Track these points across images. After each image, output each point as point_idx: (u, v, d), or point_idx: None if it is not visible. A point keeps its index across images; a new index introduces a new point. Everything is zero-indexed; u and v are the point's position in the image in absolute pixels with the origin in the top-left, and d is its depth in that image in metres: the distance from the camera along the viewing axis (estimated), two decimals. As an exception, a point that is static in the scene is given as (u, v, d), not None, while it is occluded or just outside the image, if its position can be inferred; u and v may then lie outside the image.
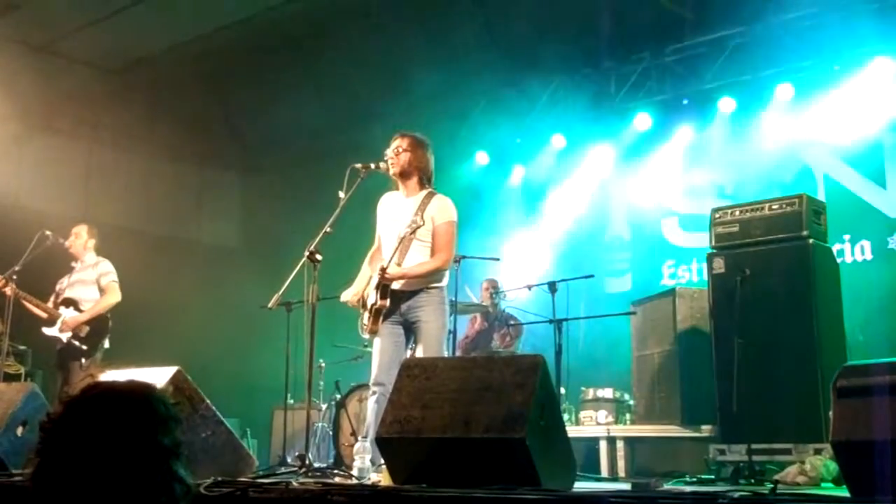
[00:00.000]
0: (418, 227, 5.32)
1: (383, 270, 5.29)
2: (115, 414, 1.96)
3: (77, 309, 7.68)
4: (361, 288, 5.55)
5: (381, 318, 5.32)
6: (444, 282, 5.50)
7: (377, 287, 5.31)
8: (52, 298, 7.78)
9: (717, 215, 6.30)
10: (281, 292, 5.51)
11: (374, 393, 5.28)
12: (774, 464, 5.58)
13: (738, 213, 6.22)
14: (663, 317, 7.16)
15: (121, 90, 10.92)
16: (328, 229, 5.39)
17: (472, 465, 3.58)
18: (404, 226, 5.36)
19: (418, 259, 5.39)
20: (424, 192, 5.51)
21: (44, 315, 7.67)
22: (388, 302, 5.29)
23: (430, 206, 5.44)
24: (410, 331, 5.41)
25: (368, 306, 5.36)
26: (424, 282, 5.38)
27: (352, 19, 9.89)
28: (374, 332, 5.34)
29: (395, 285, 5.34)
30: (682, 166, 9.94)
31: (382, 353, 5.33)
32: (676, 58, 9.68)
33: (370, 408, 5.31)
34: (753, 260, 5.94)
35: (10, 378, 8.23)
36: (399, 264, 5.35)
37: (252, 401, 10.02)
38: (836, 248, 7.33)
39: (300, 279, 5.42)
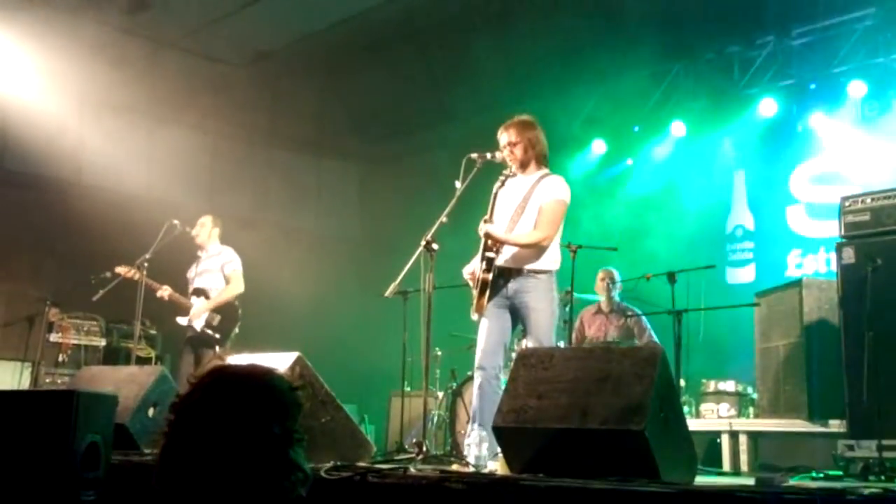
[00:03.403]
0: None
1: (484, 222, 5.28)
2: (237, 400, 2.00)
3: (207, 297, 7.94)
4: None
5: (486, 294, 5.26)
6: (554, 266, 5.42)
7: (482, 259, 5.30)
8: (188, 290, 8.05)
9: (847, 203, 6.05)
10: (398, 281, 5.55)
11: (477, 377, 5.26)
12: (907, 461, 5.33)
13: (869, 200, 5.97)
14: (789, 308, 6.93)
15: (244, 84, 11.24)
16: (444, 219, 5.39)
17: (589, 456, 3.54)
18: (515, 202, 5.37)
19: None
20: (539, 174, 5.48)
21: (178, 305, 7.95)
22: (490, 275, 5.25)
23: (540, 184, 5.41)
24: (517, 315, 5.35)
25: (475, 279, 5.35)
26: (528, 261, 5.31)
27: (466, 11, 9.90)
28: (479, 310, 5.29)
29: (501, 260, 5.29)
30: (809, 152, 9.59)
31: (488, 335, 5.30)
32: (803, 41, 9.35)
33: (475, 393, 5.29)
34: (886, 250, 5.68)
35: (141, 361, 8.60)
36: None
37: (369, 387, 10.18)
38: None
39: (417, 268, 5.45)
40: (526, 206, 5.37)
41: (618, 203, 10.76)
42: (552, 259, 5.40)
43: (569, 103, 10.38)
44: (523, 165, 5.50)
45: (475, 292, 5.33)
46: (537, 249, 5.33)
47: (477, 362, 5.31)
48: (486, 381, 5.19)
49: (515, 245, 5.32)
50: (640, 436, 3.43)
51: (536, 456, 3.73)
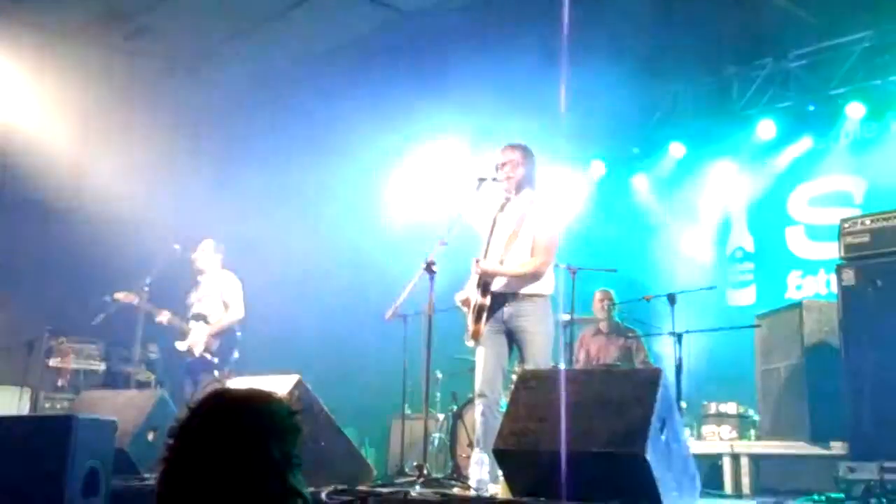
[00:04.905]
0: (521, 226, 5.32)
1: (477, 262, 5.28)
2: (235, 424, 1.99)
3: (206, 322, 7.93)
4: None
5: (482, 319, 5.26)
6: (549, 290, 5.42)
7: (478, 285, 5.29)
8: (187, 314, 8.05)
9: (846, 225, 6.07)
10: (398, 303, 5.55)
11: (479, 404, 5.26)
12: (908, 484, 5.30)
13: (868, 222, 5.99)
14: (790, 330, 6.93)
15: (242, 108, 11.26)
16: (445, 241, 5.40)
17: (591, 479, 3.53)
18: (510, 227, 5.35)
19: (519, 260, 5.35)
20: (531, 198, 5.49)
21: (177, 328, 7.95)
22: (488, 300, 5.24)
23: (533, 209, 5.41)
24: (513, 339, 5.35)
25: (471, 305, 5.34)
26: (524, 286, 5.31)
27: (464, 32, 9.95)
28: (476, 336, 5.28)
29: (496, 286, 5.29)
30: (808, 174, 9.61)
31: (486, 362, 5.30)
32: (801, 63, 9.38)
33: (477, 420, 5.29)
34: (886, 271, 5.69)
35: (140, 385, 8.58)
36: (501, 263, 5.33)
37: (369, 411, 10.13)
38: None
39: (417, 290, 5.45)
40: (519, 231, 5.37)
41: (617, 224, 10.76)
42: (546, 283, 5.41)
43: (567, 124, 10.40)
44: (518, 188, 5.51)
45: (470, 318, 5.33)
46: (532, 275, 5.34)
47: (477, 389, 5.31)
48: (488, 408, 5.19)
49: (513, 276, 5.31)
50: (641, 459, 3.42)
51: (538, 479, 3.72)
